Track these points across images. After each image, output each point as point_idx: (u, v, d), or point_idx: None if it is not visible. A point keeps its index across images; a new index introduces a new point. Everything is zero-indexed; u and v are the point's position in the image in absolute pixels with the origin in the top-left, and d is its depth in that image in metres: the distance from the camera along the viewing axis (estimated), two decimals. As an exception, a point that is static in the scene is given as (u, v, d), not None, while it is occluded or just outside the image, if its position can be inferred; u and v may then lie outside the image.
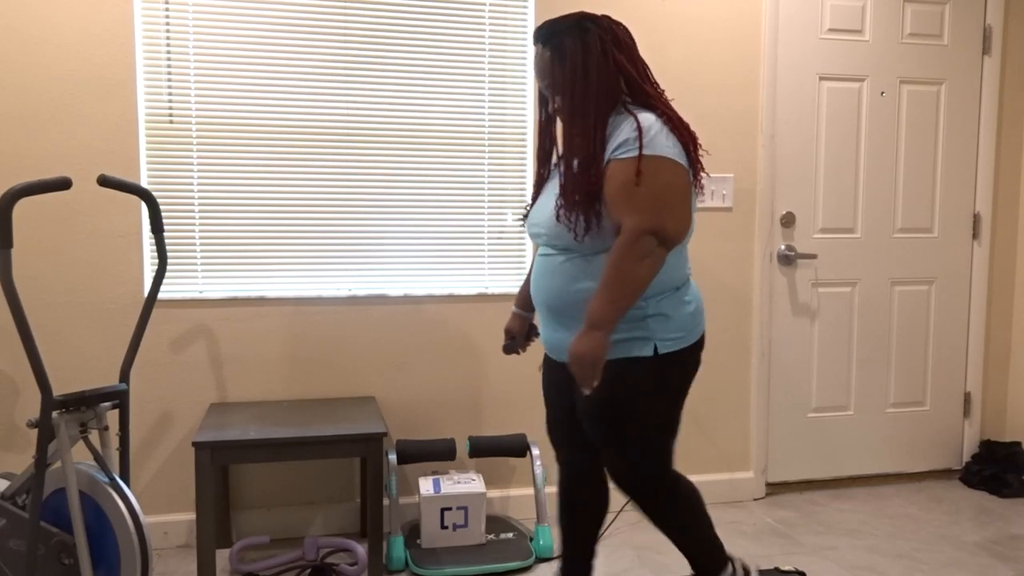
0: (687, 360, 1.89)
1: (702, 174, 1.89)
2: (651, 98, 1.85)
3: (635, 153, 1.75)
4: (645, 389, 1.85)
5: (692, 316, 1.89)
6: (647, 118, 1.79)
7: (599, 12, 2.96)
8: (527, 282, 2.21)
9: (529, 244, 3.02)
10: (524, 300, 2.21)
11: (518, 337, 2.23)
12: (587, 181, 1.79)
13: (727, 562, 2.03)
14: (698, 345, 1.92)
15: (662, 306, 1.84)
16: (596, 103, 1.81)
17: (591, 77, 1.81)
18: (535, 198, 2.03)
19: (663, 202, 1.75)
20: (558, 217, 1.84)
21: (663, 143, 1.77)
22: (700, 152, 1.90)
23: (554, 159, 2.04)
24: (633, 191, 1.74)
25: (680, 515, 1.96)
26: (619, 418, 1.86)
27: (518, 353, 2.27)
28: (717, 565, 2.01)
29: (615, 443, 1.89)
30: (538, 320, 2.03)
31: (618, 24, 1.87)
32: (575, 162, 1.83)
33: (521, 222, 3.00)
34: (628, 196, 1.75)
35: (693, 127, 3.05)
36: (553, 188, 1.94)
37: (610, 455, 1.93)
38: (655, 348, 1.83)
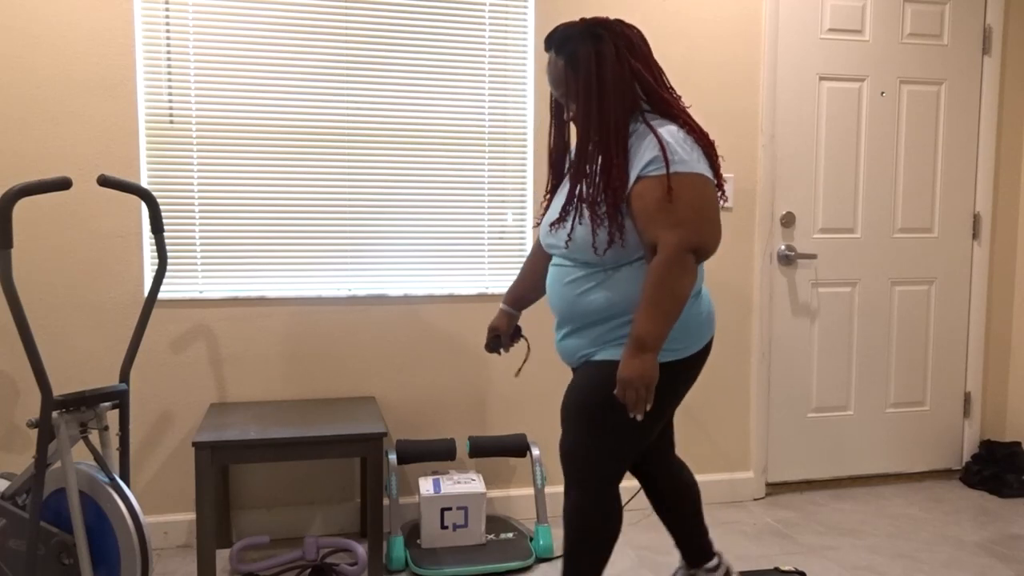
0: (686, 369, 1.87)
1: (723, 181, 1.87)
2: (669, 105, 1.82)
3: (665, 170, 1.72)
4: None
5: (700, 326, 1.87)
6: (670, 131, 1.77)
7: (601, 13, 2.97)
8: (519, 280, 2.19)
9: (529, 245, 3.02)
10: (514, 298, 2.19)
11: (503, 336, 2.21)
12: (608, 193, 1.76)
13: None
14: (701, 354, 1.90)
15: None
16: (613, 112, 1.78)
17: (606, 85, 1.78)
18: (548, 207, 2.00)
19: (700, 217, 1.73)
20: (574, 231, 1.81)
21: (693, 157, 1.75)
22: (719, 159, 1.87)
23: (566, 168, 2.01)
24: (669, 208, 1.71)
25: (597, 528, 1.91)
26: (600, 418, 1.83)
27: (499, 353, 2.25)
28: None
29: (584, 437, 1.86)
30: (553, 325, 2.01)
31: (631, 28, 1.83)
32: (593, 173, 1.80)
33: (521, 224, 3.00)
34: (665, 213, 1.72)
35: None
36: (567, 199, 1.89)
37: (572, 442, 1.89)
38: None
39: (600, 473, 1.88)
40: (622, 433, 1.84)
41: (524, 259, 3.02)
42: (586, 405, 1.85)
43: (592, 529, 1.90)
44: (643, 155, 1.75)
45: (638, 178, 1.75)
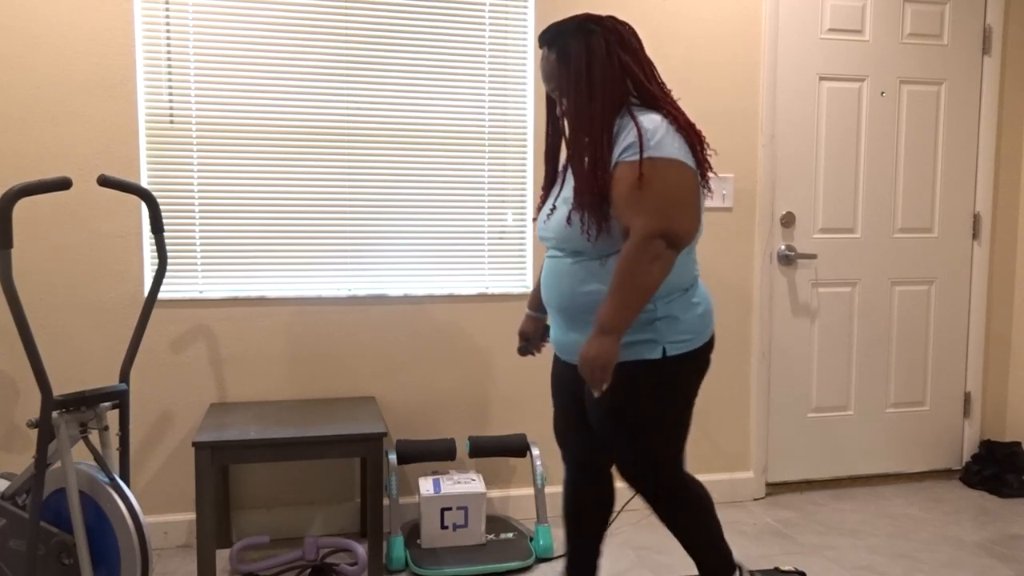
0: (696, 362, 1.89)
1: (709, 174, 1.89)
2: (657, 99, 1.84)
3: (638, 156, 1.74)
4: (654, 392, 1.85)
5: (701, 318, 1.89)
6: (652, 119, 1.78)
7: (602, 12, 2.97)
8: (539, 284, 2.20)
9: (529, 244, 3.02)
10: (537, 302, 2.21)
11: (532, 339, 2.23)
12: (596, 183, 1.79)
13: (734, 569, 2.03)
14: (707, 346, 1.91)
15: (671, 308, 1.84)
16: (602, 105, 1.81)
17: (596, 79, 1.81)
18: (543, 201, 2.03)
19: (671, 203, 1.73)
20: (569, 220, 1.84)
21: (669, 144, 1.76)
22: (708, 152, 1.89)
23: (561, 162, 2.04)
24: (638, 194, 1.73)
25: (689, 517, 1.97)
26: (629, 420, 1.87)
27: (533, 355, 2.27)
28: (724, 570, 2.02)
29: (625, 444, 1.90)
30: (550, 321, 2.04)
31: (623, 24, 1.86)
32: (584, 164, 1.83)
33: (521, 223, 3.00)
34: (634, 199, 1.74)
35: (693, 127, 3.05)
36: (562, 191, 1.94)
37: (620, 455, 1.93)
38: (663, 350, 1.83)
39: (660, 476, 1.92)
40: (664, 425, 1.88)
41: (524, 259, 3.03)
42: (621, 412, 1.87)
43: (693, 515, 1.96)
44: (622, 142, 1.78)
45: (615, 164, 1.78)
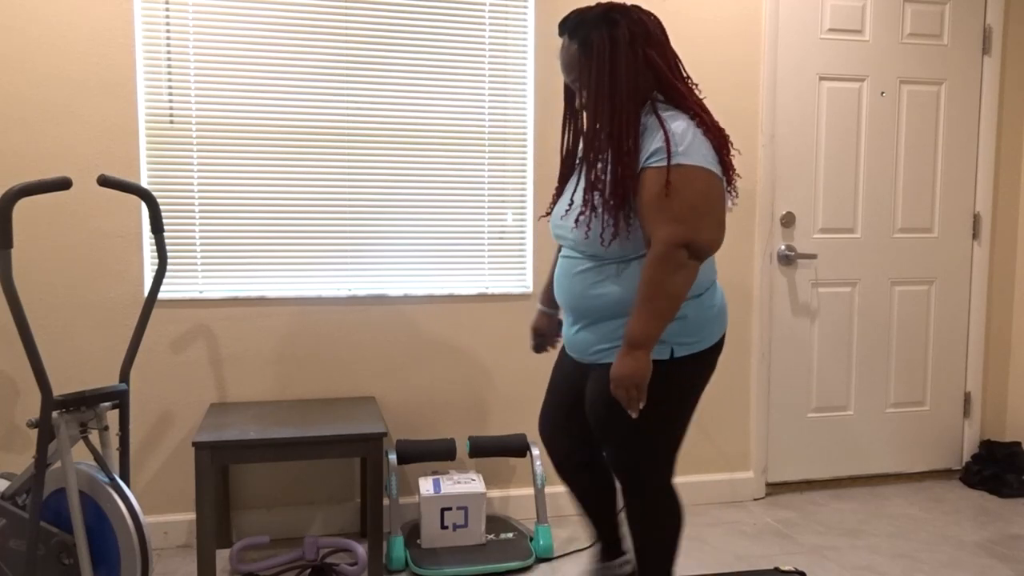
0: (702, 364, 1.85)
1: (734, 177, 1.85)
2: (683, 97, 1.77)
3: (666, 162, 1.68)
4: (658, 392, 1.80)
5: (712, 321, 1.84)
6: (679, 124, 1.72)
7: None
8: (550, 278, 2.16)
9: (529, 244, 3.02)
10: (548, 298, 2.16)
11: (547, 335, 2.20)
12: (618, 185, 1.72)
13: None
14: (715, 348, 1.88)
15: (685, 309, 1.79)
16: (626, 100, 1.73)
17: (619, 73, 1.73)
18: (557, 196, 1.97)
19: (696, 214, 1.68)
20: (587, 223, 1.78)
21: (698, 151, 1.70)
22: (732, 154, 1.83)
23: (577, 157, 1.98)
24: (664, 202, 1.67)
25: (659, 526, 1.93)
26: (629, 420, 1.82)
27: (547, 351, 2.24)
28: None
29: (621, 443, 1.86)
30: (562, 316, 2.01)
31: (649, 15, 1.78)
32: (605, 163, 1.76)
33: (521, 223, 3.00)
34: (660, 207, 1.68)
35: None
36: (577, 189, 1.87)
37: (615, 454, 1.89)
38: (671, 351, 1.80)
39: (651, 477, 1.88)
40: (665, 425, 1.84)
41: (524, 259, 3.03)
42: (615, 413, 1.83)
43: (659, 530, 1.92)
44: (649, 146, 1.72)
45: (642, 169, 1.72)
